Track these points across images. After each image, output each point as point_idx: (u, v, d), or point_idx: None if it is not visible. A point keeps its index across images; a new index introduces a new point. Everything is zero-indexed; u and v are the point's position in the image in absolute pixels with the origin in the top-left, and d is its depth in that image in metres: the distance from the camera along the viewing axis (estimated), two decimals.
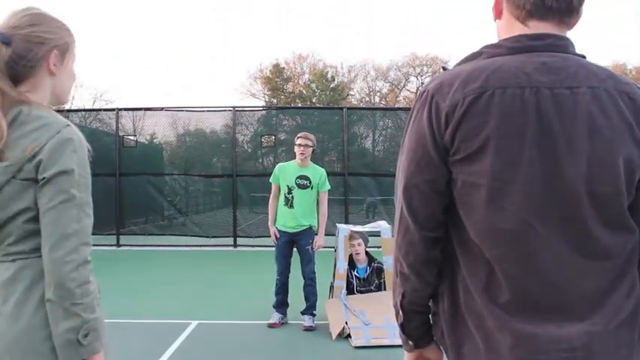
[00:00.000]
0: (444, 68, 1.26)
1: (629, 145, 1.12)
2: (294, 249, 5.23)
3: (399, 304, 1.30)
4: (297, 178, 5.17)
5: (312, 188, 5.19)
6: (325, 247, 5.32)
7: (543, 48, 1.18)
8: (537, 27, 1.20)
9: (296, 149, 5.20)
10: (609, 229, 1.13)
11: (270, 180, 5.32)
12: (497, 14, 1.29)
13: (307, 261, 5.16)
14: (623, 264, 1.15)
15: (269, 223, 5.26)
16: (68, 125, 1.39)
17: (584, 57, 1.21)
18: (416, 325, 1.31)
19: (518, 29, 1.22)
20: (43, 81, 1.45)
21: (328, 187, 5.33)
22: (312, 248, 5.17)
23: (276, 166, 5.38)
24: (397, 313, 1.32)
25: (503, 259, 1.13)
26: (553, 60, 1.16)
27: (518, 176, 1.11)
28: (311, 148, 5.20)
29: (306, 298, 5.12)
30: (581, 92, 1.12)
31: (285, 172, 5.22)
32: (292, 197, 5.15)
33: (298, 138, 5.23)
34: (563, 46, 1.20)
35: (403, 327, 1.32)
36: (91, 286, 1.36)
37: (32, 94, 1.42)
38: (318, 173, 5.25)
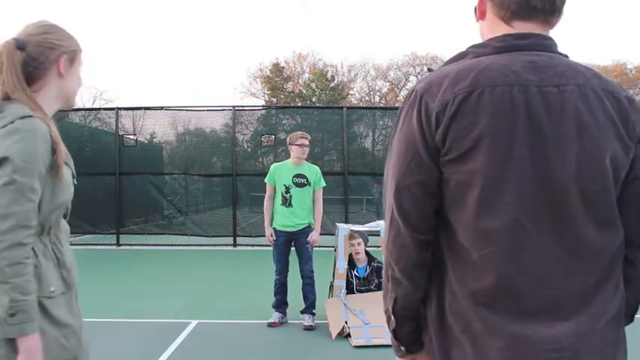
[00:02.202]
0: (430, 69, 1.26)
1: (614, 143, 1.13)
2: (292, 248, 5.24)
3: (390, 309, 1.28)
4: (294, 177, 5.19)
5: (309, 186, 5.22)
6: (325, 247, 5.32)
7: (528, 47, 1.19)
8: (521, 27, 1.21)
9: (297, 149, 5.20)
10: (598, 227, 1.13)
11: (266, 180, 5.32)
12: (481, 15, 1.29)
13: (306, 259, 5.17)
14: (609, 263, 1.16)
15: (265, 225, 5.25)
16: (26, 117, 1.46)
17: (567, 56, 1.22)
18: (408, 331, 1.29)
19: (503, 29, 1.22)
20: (52, 83, 1.59)
21: (324, 184, 5.38)
22: (309, 245, 5.18)
23: (272, 167, 5.38)
24: (389, 319, 1.29)
25: (493, 259, 1.13)
26: (540, 58, 1.17)
27: (510, 175, 1.11)
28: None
29: (306, 297, 5.13)
30: (568, 90, 1.13)
31: (281, 172, 5.23)
32: (290, 196, 5.16)
33: (300, 138, 5.23)
34: (548, 45, 1.20)
35: (395, 333, 1.30)
36: (25, 268, 1.39)
37: (39, 92, 1.56)
38: (314, 171, 5.30)
